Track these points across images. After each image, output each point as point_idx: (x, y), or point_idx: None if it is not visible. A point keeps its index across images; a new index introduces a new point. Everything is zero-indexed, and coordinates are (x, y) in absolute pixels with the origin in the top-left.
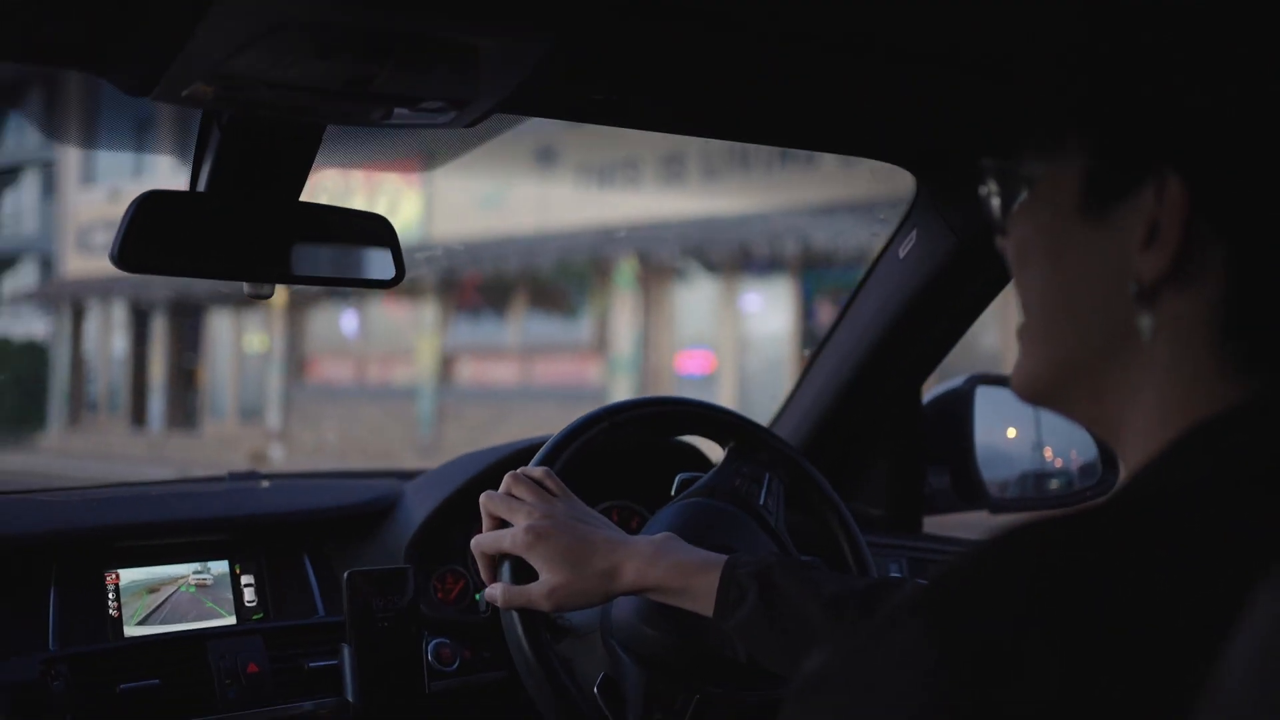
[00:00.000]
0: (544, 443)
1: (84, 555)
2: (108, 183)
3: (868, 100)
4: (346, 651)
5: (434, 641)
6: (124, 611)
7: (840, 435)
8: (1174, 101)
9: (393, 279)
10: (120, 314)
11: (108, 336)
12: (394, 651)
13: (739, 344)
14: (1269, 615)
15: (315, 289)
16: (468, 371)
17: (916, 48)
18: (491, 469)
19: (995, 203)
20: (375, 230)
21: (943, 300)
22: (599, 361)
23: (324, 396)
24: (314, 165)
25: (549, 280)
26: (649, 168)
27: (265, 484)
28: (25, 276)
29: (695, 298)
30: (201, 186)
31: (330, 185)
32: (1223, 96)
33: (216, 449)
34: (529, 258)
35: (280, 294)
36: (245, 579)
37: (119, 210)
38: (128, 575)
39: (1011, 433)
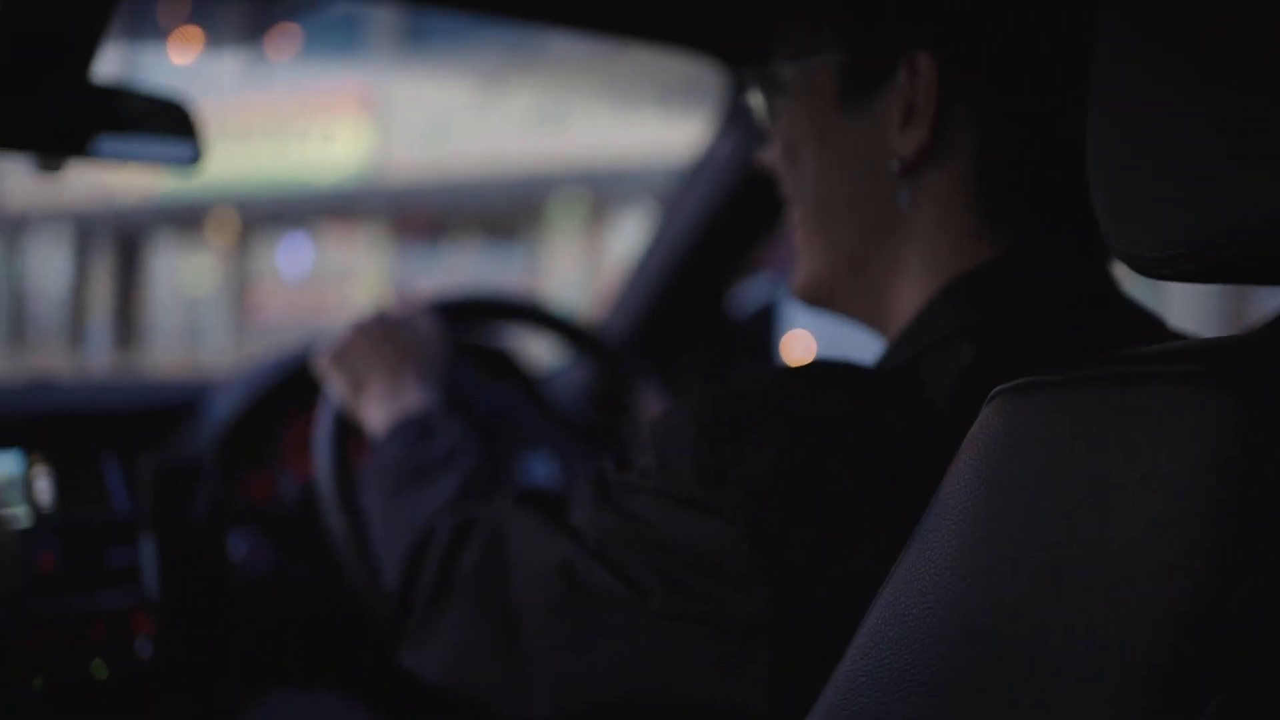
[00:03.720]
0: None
1: None
2: None
3: None
4: (146, 546)
5: (240, 537)
6: None
7: (659, 340)
8: None
9: (192, 159)
10: (65, 241)
11: (50, 262)
12: (195, 545)
13: None
14: (991, 429)
15: (264, 216)
16: None
17: None
18: (293, 362)
19: (761, 109)
20: (172, 113)
21: (756, 202)
22: (549, 295)
23: (271, 335)
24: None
25: (500, 215)
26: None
27: (68, 386)
28: None
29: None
30: None
31: (263, 117)
32: None
33: None
34: (479, 193)
35: (229, 233)
36: (40, 476)
37: None
38: None
39: (812, 340)
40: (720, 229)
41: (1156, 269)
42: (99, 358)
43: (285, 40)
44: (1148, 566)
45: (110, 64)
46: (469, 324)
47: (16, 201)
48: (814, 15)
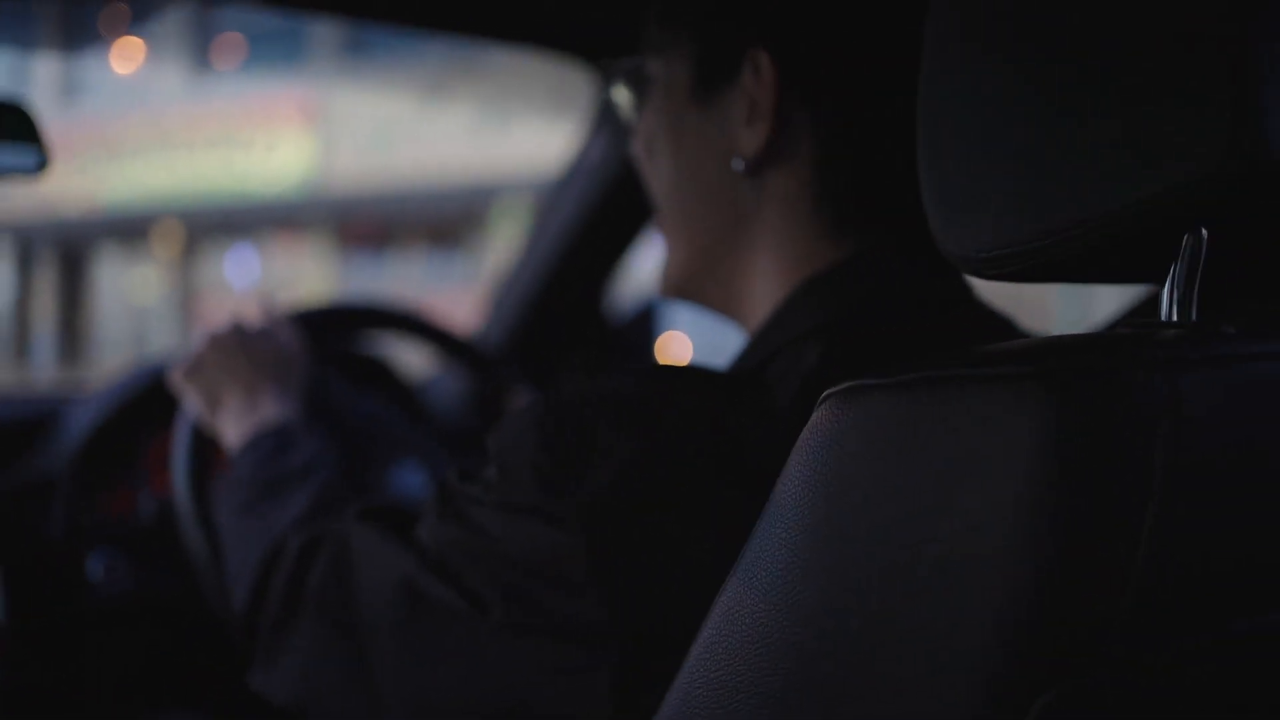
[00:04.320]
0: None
1: None
2: None
3: None
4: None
5: (98, 556)
6: None
7: (535, 346)
8: None
9: (36, 168)
10: (6, 254)
11: None
12: (49, 566)
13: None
14: (821, 431)
15: (210, 226)
16: None
17: None
18: (152, 376)
19: (626, 105)
20: (11, 117)
21: (626, 204)
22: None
23: None
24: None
25: (444, 222)
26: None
27: None
28: None
29: None
30: None
31: (206, 128)
32: None
33: None
34: (423, 201)
35: (173, 244)
36: None
37: None
38: None
39: (688, 341)
40: (595, 230)
41: (984, 269)
42: (44, 370)
43: (230, 50)
44: (976, 567)
45: (50, 74)
46: (339, 334)
47: None
48: (669, 9)
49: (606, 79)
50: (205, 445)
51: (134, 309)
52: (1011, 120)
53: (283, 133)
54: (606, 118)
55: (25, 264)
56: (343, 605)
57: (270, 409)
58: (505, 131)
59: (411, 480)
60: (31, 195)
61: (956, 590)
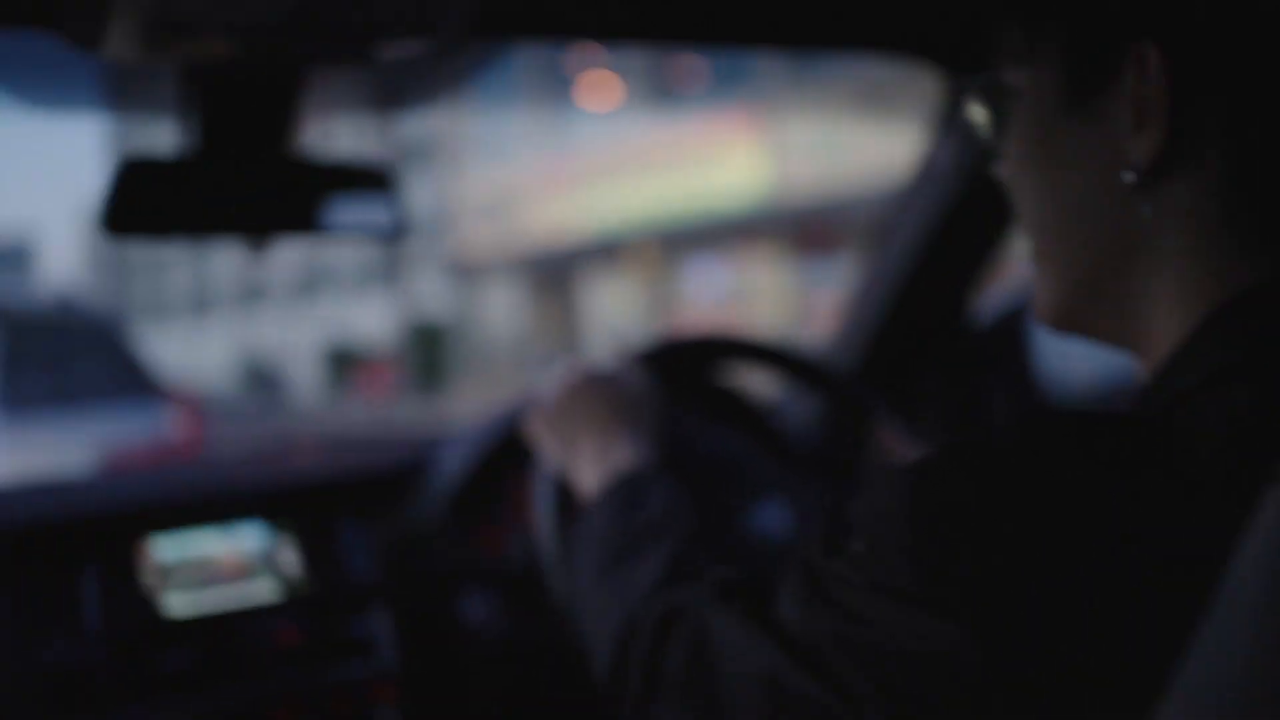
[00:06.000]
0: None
1: (120, 532)
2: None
3: None
4: (382, 614)
5: (475, 600)
6: (162, 587)
7: (891, 365)
8: None
9: (395, 231)
10: (513, 283)
11: (504, 304)
12: (432, 610)
13: None
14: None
15: (678, 243)
16: (821, 312)
17: None
18: (511, 419)
19: (984, 123)
20: (375, 181)
21: (986, 208)
22: None
23: None
24: (323, 113)
25: None
26: None
27: (300, 453)
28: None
29: None
30: (187, 148)
31: (667, 151)
32: None
33: None
34: (874, 204)
35: (648, 262)
36: (284, 547)
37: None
38: (165, 550)
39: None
40: (952, 238)
41: None
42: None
43: (689, 76)
44: None
45: (531, 118)
46: (686, 369)
47: (475, 253)
48: (1033, 10)
49: (959, 94)
50: (564, 490)
51: (614, 324)
52: None
53: (737, 148)
54: (952, 125)
55: (527, 288)
56: (704, 695)
57: (623, 454)
58: None
59: (773, 518)
60: (527, 227)
61: None
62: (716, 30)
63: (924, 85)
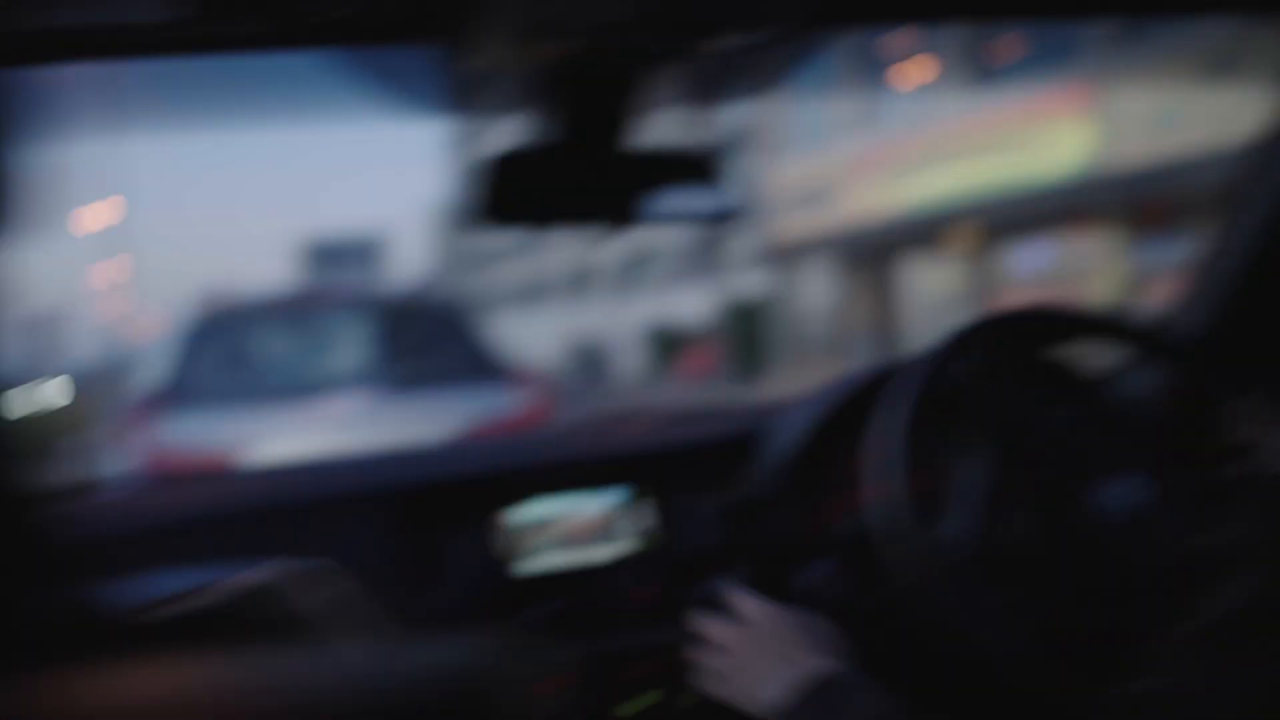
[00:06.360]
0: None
1: (483, 499)
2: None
3: None
4: (728, 581)
5: (814, 567)
6: (525, 545)
7: (1243, 331)
8: None
9: (727, 213)
10: (828, 266)
11: (820, 289)
12: (773, 578)
13: None
14: None
15: (1000, 222)
16: (1158, 295)
17: None
18: (854, 389)
19: None
20: (705, 165)
21: None
22: None
23: None
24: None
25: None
26: None
27: (644, 425)
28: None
29: None
30: (544, 141)
31: (988, 131)
32: None
33: None
34: (1209, 174)
35: (969, 242)
36: (638, 511)
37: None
38: (528, 512)
39: None
40: None
41: None
42: (860, 363)
43: (1007, 53)
44: None
45: (851, 104)
46: (1013, 343)
47: (789, 236)
48: None
49: None
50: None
51: (935, 305)
52: None
53: (1063, 125)
54: None
55: (842, 271)
56: None
57: (812, 662)
58: None
59: (1116, 496)
60: (842, 211)
61: None
62: (1056, 2)
63: (1267, 46)
